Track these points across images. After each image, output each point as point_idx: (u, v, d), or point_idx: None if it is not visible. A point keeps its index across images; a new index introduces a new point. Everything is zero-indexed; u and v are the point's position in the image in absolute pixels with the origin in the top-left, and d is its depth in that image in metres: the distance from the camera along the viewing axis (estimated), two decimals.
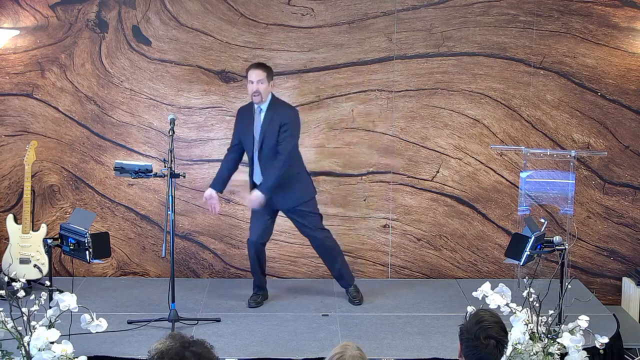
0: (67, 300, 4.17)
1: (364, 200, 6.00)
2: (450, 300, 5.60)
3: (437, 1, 5.93)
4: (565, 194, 5.59)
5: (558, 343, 4.22)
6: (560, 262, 4.59)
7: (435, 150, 6.04)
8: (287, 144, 5.21)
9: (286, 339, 4.88)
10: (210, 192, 5.32)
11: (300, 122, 5.39)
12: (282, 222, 6.04)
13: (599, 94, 6.01)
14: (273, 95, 5.31)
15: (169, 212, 4.85)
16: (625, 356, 5.01)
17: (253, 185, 5.35)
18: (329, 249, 5.50)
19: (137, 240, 6.08)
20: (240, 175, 6.02)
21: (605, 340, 4.24)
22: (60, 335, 4.12)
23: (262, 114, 5.26)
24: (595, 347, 4.29)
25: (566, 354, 4.23)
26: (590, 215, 6.10)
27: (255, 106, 5.28)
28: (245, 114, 5.36)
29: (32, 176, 5.72)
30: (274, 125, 5.20)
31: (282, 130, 5.19)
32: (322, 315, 5.30)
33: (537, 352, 4.17)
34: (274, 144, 5.20)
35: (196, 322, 5.04)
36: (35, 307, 4.09)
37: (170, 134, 5.00)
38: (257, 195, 5.17)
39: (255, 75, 5.18)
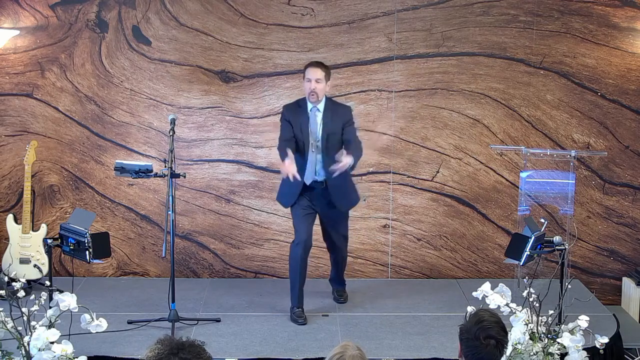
0: (67, 300, 4.16)
1: (364, 200, 5.99)
2: (450, 300, 5.60)
3: (437, 1, 5.93)
4: (565, 194, 5.59)
5: (558, 343, 4.21)
6: (560, 262, 4.58)
7: (435, 150, 6.04)
8: (355, 136, 5.11)
9: (286, 339, 4.88)
10: (288, 160, 4.86)
11: None
12: (282, 221, 6.03)
13: (599, 94, 6.01)
14: (326, 96, 5.14)
15: (169, 212, 4.84)
16: (625, 356, 5.01)
17: (303, 186, 5.07)
18: (343, 257, 5.52)
19: (137, 240, 6.08)
20: (241, 176, 6.03)
21: (605, 340, 4.24)
22: (60, 335, 4.12)
23: (320, 115, 5.06)
24: (595, 347, 4.28)
25: (566, 354, 4.23)
26: (590, 215, 6.10)
27: (310, 106, 5.08)
28: (297, 113, 5.09)
29: (32, 176, 5.72)
30: (337, 124, 5.06)
31: (347, 125, 5.09)
32: (322, 315, 5.30)
33: (537, 352, 4.17)
34: (337, 142, 5.07)
35: (196, 322, 5.04)
36: (35, 307, 4.09)
37: (171, 134, 4.99)
38: (349, 160, 4.86)
39: (314, 73, 5.00)
